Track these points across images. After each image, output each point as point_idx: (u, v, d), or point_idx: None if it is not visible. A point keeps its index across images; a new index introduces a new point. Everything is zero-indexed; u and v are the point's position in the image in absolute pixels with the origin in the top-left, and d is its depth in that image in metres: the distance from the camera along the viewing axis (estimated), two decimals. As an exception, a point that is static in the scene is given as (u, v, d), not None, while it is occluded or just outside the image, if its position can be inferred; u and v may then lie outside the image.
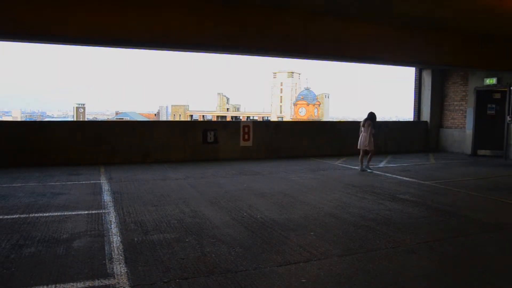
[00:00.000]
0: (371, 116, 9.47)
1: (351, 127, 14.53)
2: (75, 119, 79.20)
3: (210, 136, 10.97)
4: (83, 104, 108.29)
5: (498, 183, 8.13)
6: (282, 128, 12.34)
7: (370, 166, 9.44)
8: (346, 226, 4.85)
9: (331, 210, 5.59)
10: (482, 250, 4.24)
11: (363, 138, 9.35)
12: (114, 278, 3.28)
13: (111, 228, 4.59)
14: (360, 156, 9.43)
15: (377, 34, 9.69)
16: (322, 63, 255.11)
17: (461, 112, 13.68)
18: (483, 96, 12.94)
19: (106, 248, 3.94)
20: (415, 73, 14.79)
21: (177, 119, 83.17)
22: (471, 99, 13.19)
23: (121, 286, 3.13)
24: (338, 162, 10.92)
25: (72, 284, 3.16)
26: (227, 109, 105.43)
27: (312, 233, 4.55)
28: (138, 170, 8.90)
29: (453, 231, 4.83)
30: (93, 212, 5.31)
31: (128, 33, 7.72)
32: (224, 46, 8.57)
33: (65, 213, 5.19)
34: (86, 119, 75.65)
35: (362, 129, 9.47)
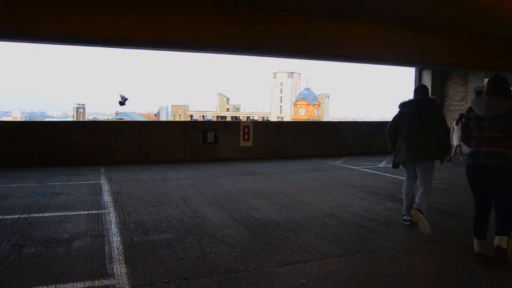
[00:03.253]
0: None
1: (351, 127, 14.59)
2: (75, 119, 79.21)
3: (210, 136, 10.98)
4: (83, 104, 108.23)
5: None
6: (282, 128, 12.34)
7: (369, 166, 9.45)
8: (346, 226, 4.85)
9: (331, 210, 5.59)
10: (482, 250, 4.23)
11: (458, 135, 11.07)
12: (114, 278, 3.27)
13: (111, 228, 4.59)
14: (459, 151, 11.48)
15: (377, 34, 9.69)
16: (322, 63, 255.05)
17: (461, 112, 13.68)
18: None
19: (106, 248, 3.94)
20: (415, 73, 14.79)
21: (177, 119, 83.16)
22: (471, 99, 13.18)
23: (121, 286, 3.13)
24: (338, 162, 10.92)
25: (72, 284, 3.16)
26: (227, 109, 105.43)
27: (312, 233, 4.55)
28: (138, 170, 8.90)
29: (453, 231, 4.83)
30: (93, 212, 5.31)
31: (128, 34, 7.73)
32: (224, 46, 8.57)
33: (65, 213, 5.19)
34: (86, 119, 75.64)
35: (456, 127, 11.33)
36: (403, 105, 4.94)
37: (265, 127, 12.35)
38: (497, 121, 3.58)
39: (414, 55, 10.37)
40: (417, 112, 4.80)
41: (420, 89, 5.00)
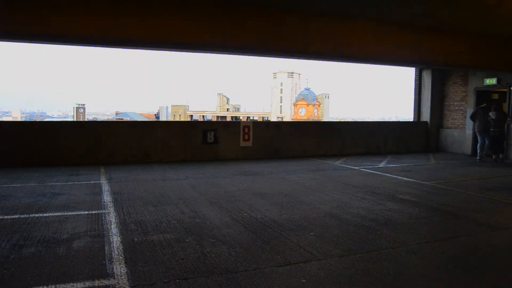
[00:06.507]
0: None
1: (351, 127, 14.59)
2: (75, 119, 79.15)
3: (210, 137, 10.97)
4: (83, 105, 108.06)
5: (498, 183, 8.13)
6: (282, 128, 12.34)
7: (369, 166, 9.48)
8: (346, 227, 4.85)
9: (331, 210, 5.59)
10: (482, 250, 4.24)
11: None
12: (114, 278, 3.28)
13: (111, 229, 4.59)
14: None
15: (377, 34, 9.69)
16: (322, 63, 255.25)
17: (461, 112, 13.68)
18: (483, 97, 12.95)
19: (106, 248, 3.94)
20: (415, 73, 14.78)
21: (177, 119, 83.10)
22: (471, 99, 13.19)
23: (121, 286, 3.13)
24: (338, 163, 10.92)
25: (72, 284, 3.16)
26: (227, 109, 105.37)
27: (312, 233, 4.55)
28: (138, 170, 8.90)
29: (453, 231, 4.83)
30: (93, 212, 5.31)
31: (128, 34, 7.73)
32: (223, 46, 8.56)
33: (65, 213, 5.19)
34: (86, 119, 75.57)
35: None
36: (478, 107, 11.86)
37: (265, 127, 12.35)
38: (498, 119, 11.30)
39: (414, 55, 10.36)
40: (482, 111, 11.55)
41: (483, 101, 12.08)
